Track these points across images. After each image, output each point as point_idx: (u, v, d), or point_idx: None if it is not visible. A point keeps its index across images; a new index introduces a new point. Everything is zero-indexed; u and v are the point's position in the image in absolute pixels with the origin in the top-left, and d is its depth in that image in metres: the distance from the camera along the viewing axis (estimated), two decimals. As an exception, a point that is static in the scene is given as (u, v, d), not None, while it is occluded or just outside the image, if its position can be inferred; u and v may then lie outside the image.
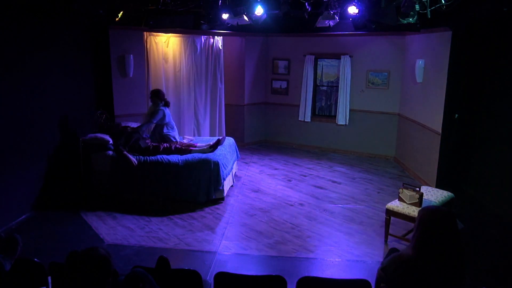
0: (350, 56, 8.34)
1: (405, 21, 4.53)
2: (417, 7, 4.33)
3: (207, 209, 5.79)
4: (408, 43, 7.72)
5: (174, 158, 5.97)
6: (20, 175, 5.29)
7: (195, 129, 8.46)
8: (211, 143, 6.27)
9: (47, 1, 5.42)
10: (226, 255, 4.57)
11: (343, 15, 5.99)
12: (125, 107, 7.30)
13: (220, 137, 6.53)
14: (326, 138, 8.99)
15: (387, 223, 4.81)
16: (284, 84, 9.20)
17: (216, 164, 5.89)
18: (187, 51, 8.10)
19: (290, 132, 9.31)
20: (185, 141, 6.67)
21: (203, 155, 5.99)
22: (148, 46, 7.62)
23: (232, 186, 6.65)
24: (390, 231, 4.85)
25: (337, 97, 8.71)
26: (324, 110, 9.27)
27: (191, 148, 6.18)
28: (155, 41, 7.73)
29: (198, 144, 6.38)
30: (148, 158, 5.97)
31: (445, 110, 6.10)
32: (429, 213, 2.38)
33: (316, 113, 9.20)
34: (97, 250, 2.20)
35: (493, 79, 5.98)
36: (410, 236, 4.74)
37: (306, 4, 5.49)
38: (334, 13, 5.73)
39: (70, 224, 5.23)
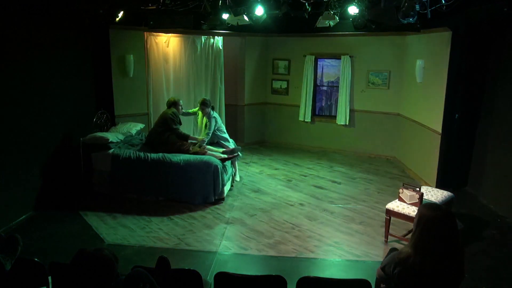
0: (350, 56, 8.34)
1: (405, 21, 4.52)
2: (417, 7, 4.33)
3: (207, 209, 5.79)
4: (408, 43, 7.72)
5: (176, 158, 5.97)
6: (20, 175, 5.29)
7: (195, 130, 8.45)
8: (225, 152, 6.40)
9: (47, 1, 5.42)
10: (226, 255, 4.58)
11: (343, 15, 5.98)
12: (125, 107, 7.31)
13: (236, 153, 6.54)
14: (326, 138, 8.99)
15: (387, 223, 4.81)
16: (284, 84, 9.20)
17: (217, 165, 5.88)
18: (187, 51, 8.10)
19: (290, 132, 9.30)
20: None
21: (204, 157, 5.98)
22: (148, 46, 7.62)
23: (232, 186, 6.65)
24: (390, 231, 4.85)
25: (337, 97, 8.70)
26: (324, 110, 9.27)
27: (205, 150, 6.23)
28: (155, 41, 7.72)
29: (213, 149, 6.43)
30: (149, 157, 5.97)
31: (445, 110, 6.10)
32: (427, 211, 2.38)
33: (316, 113, 9.19)
34: (105, 252, 2.22)
35: (493, 79, 5.98)
36: (410, 236, 4.74)
37: (306, 4, 5.49)
38: (334, 13, 5.72)
39: (70, 224, 5.23)
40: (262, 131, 9.55)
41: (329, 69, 9.01)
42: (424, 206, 2.46)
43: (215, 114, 6.70)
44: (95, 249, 2.22)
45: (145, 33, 7.46)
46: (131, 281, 2.25)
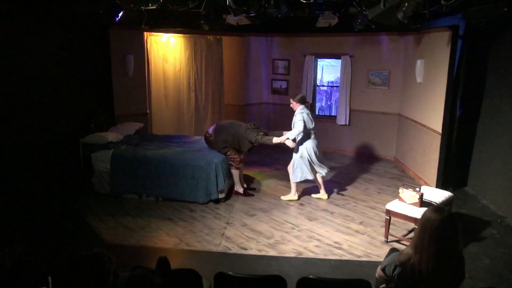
0: (350, 56, 8.34)
1: (405, 21, 4.52)
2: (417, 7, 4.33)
3: (207, 209, 5.78)
4: (408, 43, 7.72)
5: (176, 157, 5.97)
6: (20, 175, 5.29)
7: (195, 130, 8.45)
8: (246, 192, 6.35)
9: (47, 1, 5.42)
10: (226, 255, 4.57)
11: (343, 15, 5.99)
12: (125, 107, 7.31)
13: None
14: (326, 138, 8.97)
15: (387, 223, 4.81)
16: (284, 84, 9.20)
17: (217, 165, 5.88)
18: (187, 51, 8.10)
19: (290, 132, 9.28)
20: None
21: (205, 156, 5.98)
22: (148, 46, 7.62)
23: (232, 186, 6.64)
24: (390, 231, 4.85)
25: (337, 97, 8.69)
26: (324, 110, 9.26)
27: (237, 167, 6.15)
28: (155, 41, 7.73)
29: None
30: (149, 157, 5.97)
31: (445, 110, 6.10)
32: (429, 213, 2.40)
33: (316, 113, 9.18)
34: (98, 250, 2.21)
35: (493, 79, 5.98)
36: (410, 236, 4.75)
37: (306, 4, 5.49)
38: (334, 13, 5.73)
39: (70, 224, 5.23)
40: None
41: (329, 69, 9.01)
42: (428, 209, 2.48)
43: (306, 115, 5.87)
44: (89, 249, 2.22)
45: (145, 33, 7.46)
46: (132, 282, 2.25)
